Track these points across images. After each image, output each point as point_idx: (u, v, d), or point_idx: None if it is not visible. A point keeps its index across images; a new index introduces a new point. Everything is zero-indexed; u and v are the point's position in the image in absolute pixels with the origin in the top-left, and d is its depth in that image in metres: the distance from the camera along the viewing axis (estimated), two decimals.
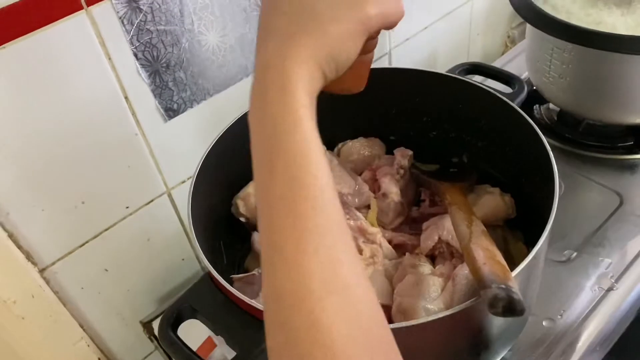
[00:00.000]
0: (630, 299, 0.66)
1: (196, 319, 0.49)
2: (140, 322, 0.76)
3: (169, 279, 0.80)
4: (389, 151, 0.72)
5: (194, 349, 0.48)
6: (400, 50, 0.95)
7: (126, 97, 0.63)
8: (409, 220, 0.68)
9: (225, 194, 0.66)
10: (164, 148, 0.69)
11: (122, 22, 0.58)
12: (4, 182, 0.57)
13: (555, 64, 0.79)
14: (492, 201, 0.63)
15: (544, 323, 0.64)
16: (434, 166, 0.71)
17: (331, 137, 0.73)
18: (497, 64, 1.03)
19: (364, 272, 0.32)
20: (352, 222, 0.62)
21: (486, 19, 1.11)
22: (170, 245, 0.77)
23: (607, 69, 0.74)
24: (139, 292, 0.76)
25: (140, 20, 0.59)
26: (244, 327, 0.46)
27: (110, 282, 0.72)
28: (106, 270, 0.71)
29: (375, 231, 0.62)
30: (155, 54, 0.62)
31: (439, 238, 0.60)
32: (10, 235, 0.59)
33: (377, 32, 0.40)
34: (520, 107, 0.61)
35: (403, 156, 0.68)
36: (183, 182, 0.74)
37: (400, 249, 0.63)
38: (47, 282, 0.65)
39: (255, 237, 0.64)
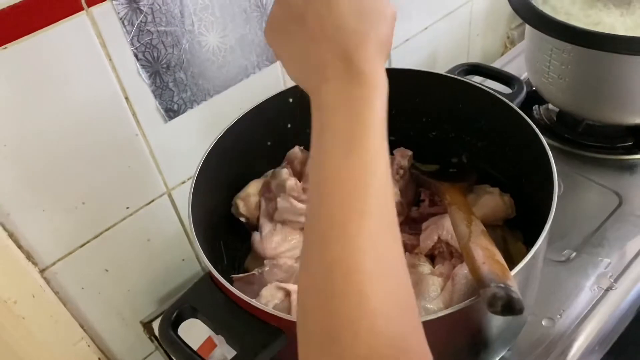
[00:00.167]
0: (630, 298, 0.66)
1: (196, 318, 0.49)
2: (141, 322, 0.76)
3: (169, 279, 0.80)
4: (389, 151, 0.72)
5: (194, 349, 0.48)
6: (400, 51, 0.95)
7: (126, 98, 0.63)
8: (409, 220, 0.68)
9: (225, 194, 0.66)
10: (164, 148, 0.69)
11: (123, 23, 0.59)
12: (4, 183, 0.57)
13: (554, 65, 0.79)
14: (492, 201, 0.63)
15: (543, 323, 0.64)
16: (433, 166, 0.71)
17: None
18: (497, 64, 1.04)
19: (405, 260, 0.35)
20: None
21: (486, 19, 1.12)
22: (171, 245, 0.77)
23: (606, 69, 0.74)
24: (139, 293, 0.76)
25: (141, 21, 0.60)
26: (245, 327, 0.46)
27: (110, 283, 0.72)
28: (106, 270, 0.71)
29: None
30: (155, 54, 0.63)
31: (439, 238, 0.60)
32: (11, 236, 0.60)
33: None
34: (519, 108, 0.61)
35: (403, 156, 0.68)
36: (183, 182, 0.74)
37: None
38: (48, 282, 0.65)
39: (255, 237, 0.64)
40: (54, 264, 0.65)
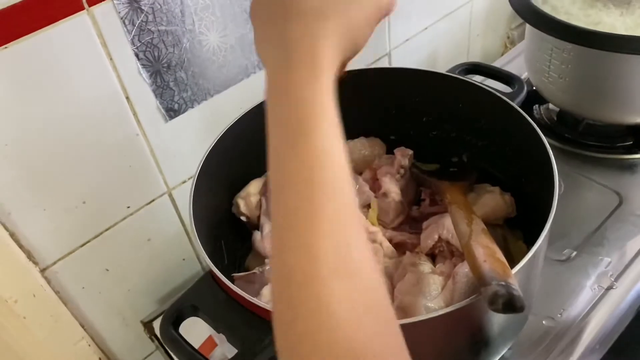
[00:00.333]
0: (630, 297, 0.66)
1: (198, 317, 0.49)
2: (141, 322, 0.76)
3: (169, 279, 0.80)
4: (389, 151, 0.72)
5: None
6: (400, 51, 0.95)
7: (127, 97, 0.63)
8: (409, 220, 0.68)
9: (226, 193, 0.66)
10: (164, 148, 0.69)
11: (124, 23, 0.59)
12: (5, 182, 0.57)
13: (554, 64, 0.79)
14: (492, 200, 0.63)
15: (544, 322, 0.64)
16: (434, 166, 0.71)
17: None
18: (497, 64, 1.04)
19: (373, 257, 0.33)
20: None
21: (486, 19, 1.12)
22: (171, 245, 0.77)
23: (606, 69, 0.74)
24: (139, 292, 0.76)
25: (142, 20, 0.60)
26: (246, 325, 0.46)
27: (111, 282, 0.72)
28: (107, 270, 0.71)
29: (376, 230, 0.62)
30: (156, 54, 0.63)
31: (439, 237, 0.60)
32: (12, 235, 0.60)
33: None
34: (520, 107, 0.61)
35: (403, 156, 0.68)
36: (184, 182, 0.74)
37: (400, 247, 0.64)
38: (48, 281, 0.65)
39: (256, 236, 0.64)
40: (54, 263, 0.65)
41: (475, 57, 1.16)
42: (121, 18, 0.58)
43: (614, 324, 0.65)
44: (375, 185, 0.68)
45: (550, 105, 0.92)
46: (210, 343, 0.69)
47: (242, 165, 0.66)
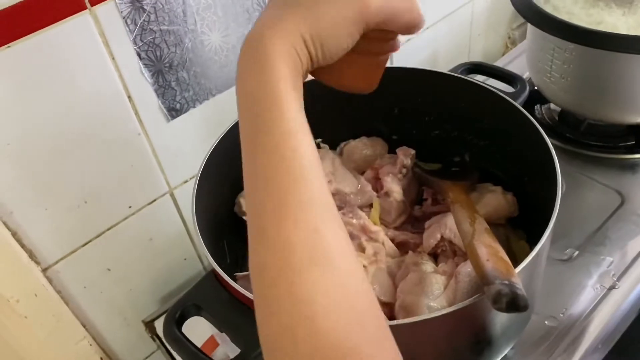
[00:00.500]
0: (632, 297, 0.66)
1: (200, 316, 0.49)
2: (143, 321, 0.76)
3: (171, 278, 0.80)
4: (391, 150, 0.72)
5: None
6: (401, 51, 0.95)
7: (129, 97, 0.63)
8: (412, 219, 0.68)
9: (228, 193, 0.66)
10: (166, 148, 0.69)
11: (126, 22, 0.59)
12: (7, 181, 0.57)
13: (556, 64, 0.79)
14: (495, 200, 0.63)
15: (546, 321, 0.64)
16: (436, 165, 0.71)
17: (334, 136, 0.73)
18: (498, 64, 1.03)
19: (348, 243, 0.32)
20: (354, 221, 0.62)
21: (487, 19, 1.12)
22: (173, 245, 0.77)
23: (608, 68, 0.74)
24: (141, 292, 0.76)
25: (144, 20, 0.60)
26: (249, 324, 0.46)
27: (112, 282, 0.72)
28: (108, 269, 0.71)
29: (378, 230, 0.62)
30: (158, 53, 0.63)
31: (442, 236, 0.60)
32: (14, 234, 0.60)
33: (390, 33, 0.40)
34: (522, 107, 0.61)
35: (405, 155, 0.68)
36: (185, 181, 0.74)
37: (402, 247, 0.64)
38: (50, 281, 0.65)
39: None
40: (56, 263, 0.65)
41: (477, 57, 1.16)
42: (123, 17, 0.58)
43: (616, 324, 0.65)
44: (377, 184, 0.68)
45: (552, 105, 0.92)
46: (211, 343, 0.69)
47: None
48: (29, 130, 0.57)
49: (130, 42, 0.60)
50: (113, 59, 0.60)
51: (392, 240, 0.63)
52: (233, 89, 0.71)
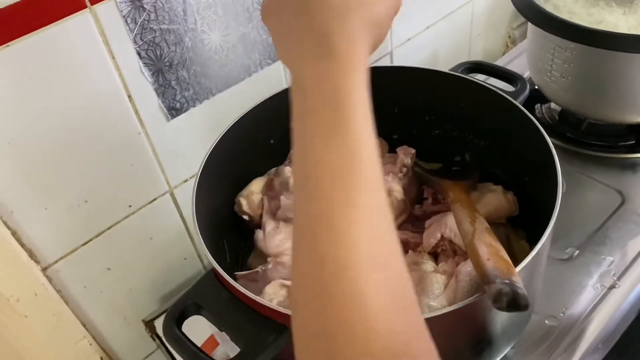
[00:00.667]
0: (633, 296, 0.66)
1: (201, 315, 0.49)
2: (143, 321, 0.76)
3: (170, 278, 0.80)
4: (392, 150, 0.72)
5: None
6: (402, 50, 0.95)
7: (129, 96, 0.63)
8: (412, 219, 0.68)
9: (228, 192, 0.66)
10: (166, 147, 0.69)
11: (126, 21, 0.59)
12: (7, 180, 0.57)
13: (557, 63, 0.79)
14: (495, 199, 0.63)
15: (546, 321, 0.64)
16: (436, 165, 0.71)
17: None
18: (498, 64, 1.03)
19: (401, 250, 0.33)
20: None
21: (487, 19, 1.12)
22: (173, 244, 0.77)
23: (608, 67, 0.74)
24: (141, 291, 0.76)
25: (144, 19, 0.60)
26: (249, 324, 0.46)
27: (112, 281, 0.72)
28: (108, 269, 0.71)
29: None
30: (158, 52, 0.63)
31: (442, 236, 0.60)
32: (14, 233, 0.59)
33: None
34: (522, 106, 0.61)
35: (406, 155, 0.68)
36: (185, 181, 0.74)
37: (403, 246, 0.62)
38: (50, 280, 0.65)
39: (258, 235, 0.64)
40: (56, 262, 0.65)
41: (477, 57, 1.16)
42: (123, 16, 0.58)
43: (617, 323, 0.65)
44: None
45: (552, 105, 0.92)
46: (211, 342, 0.69)
47: (244, 164, 0.66)
48: (29, 130, 0.57)
49: (130, 41, 0.60)
50: (113, 58, 0.60)
51: None
52: (233, 88, 0.72)
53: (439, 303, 0.52)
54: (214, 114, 0.72)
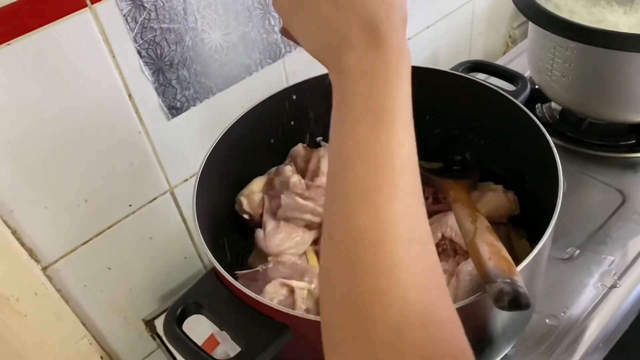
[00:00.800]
0: (633, 296, 0.66)
1: (201, 314, 0.49)
2: (143, 320, 0.76)
3: (170, 277, 0.80)
4: None
5: None
6: None
7: (129, 95, 0.63)
8: None
9: (229, 191, 0.66)
10: (166, 146, 0.69)
11: (126, 20, 0.58)
12: (7, 179, 0.57)
13: (557, 63, 0.79)
14: (496, 198, 0.63)
15: (547, 320, 0.64)
16: (437, 164, 0.71)
17: None
18: (499, 63, 1.03)
19: (432, 236, 0.35)
20: None
21: (488, 18, 1.12)
22: (173, 243, 0.77)
23: (609, 67, 0.74)
24: (141, 291, 0.76)
25: (144, 18, 0.60)
26: (249, 323, 0.46)
27: (112, 281, 0.72)
28: (109, 268, 0.71)
29: None
30: (158, 51, 0.63)
31: (442, 235, 0.60)
32: (14, 233, 0.59)
33: None
34: (523, 105, 0.61)
35: None
36: (186, 180, 0.74)
37: None
38: (50, 279, 0.65)
39: (259, 234, 0.63)
40: (56, 261, 0.65)
41: (477, 56, 1.16)
42: (124, 15, 0.58)
43: (617, 323, 0.65)
44: None
45: (553, 104, 0.91)
46: (212, 341, 0.68)
47: (245, 163, 0.66)
48: (29, 129, 0.57)
49: (131, 40, 0.60)
50: (113, 57, 0.60)
51: None
52: (233, 88, 0.72)
53: None
54: (215, 113, 0.72)
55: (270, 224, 0.63)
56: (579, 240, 0.72)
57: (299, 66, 0.78)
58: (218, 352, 0.68)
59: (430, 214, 0.64)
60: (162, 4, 0.60)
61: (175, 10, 0.61)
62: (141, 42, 0.61)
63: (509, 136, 0.64)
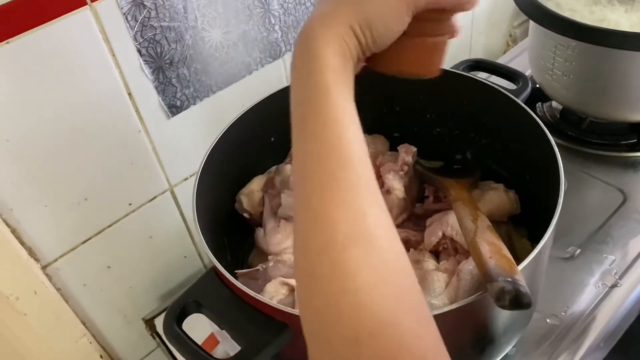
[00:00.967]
0: (634, 295, 0.66)
1: (201, 313, 0.49)
2: (143, 319, 0.76)
3: (170, 276, 0.79)
4: (393, 148, 0.71)
5: None
6: None
7: (130, 94, 0.63)
8: (413, 217, 0.67)
9: (229, 190, 0.66)
10: (167, 145, 0.69)
11: (126, 18, 0.58)
12: (7, 178, 0.57)
13: (558, 62, 0.79)
14: (497, 197, 0.62)
15: (548, 320, 0.64)
16: (438, 163, 0.71)
17: None
18: (499, 62, 1.03)
19: (391, 225, 0.33)
20: None
21: (488, 17, 1.11)
22: (173, 242, 0.77)
23: (610, 66, 0.74)
24: (141, 290, 0.76)
25: (144, 16, 0.59)
26: (249, 322, 0.46)
27: (112, 279, 0.72)
28: (109, 267, 0.71)
29: None
30: (158, 50, 0.62)
31: (443, 234, 0.60)
32: (14, 231, 0.59)
33: (443, 12, 0.40)
34: (524, 104, 0.61)
35: (407, 153, 0.67)
36: (186, 179, 0.74)
37: (404, 245, 0.62)
38: (50, 278, 0.65)
39: (259, 233, 0.63)
40: (56, 260, 0.65)
41: (478, 55, 1.15)
42: (124, 14, 0.58)
43: (618, 322, 0.65)
44: (378, 182, 0.67)
45: (554, 103, 0.91)
46: (212, 341, 0.68)
47: (245, 162, 0.66)
48: (29, 127, 0.57)
49: (131, 39, 0.60)
50: (113, 55, 0.59)
51: None
52: (233, 86, 0.72)
53: (441, 301, 0.52)
54: (215, 112, 0.72)
55: (270, 222, 0.63)
56: (579, 239, 0.72)
57: None
58: (218, 351, 0.68)
59: (431, 213, 0.64)
60: (162, 3, 0.60)
61: (175, 8, 0.61)
62: (141, 41, 0.60)
63: (510, 135, 0.64)
